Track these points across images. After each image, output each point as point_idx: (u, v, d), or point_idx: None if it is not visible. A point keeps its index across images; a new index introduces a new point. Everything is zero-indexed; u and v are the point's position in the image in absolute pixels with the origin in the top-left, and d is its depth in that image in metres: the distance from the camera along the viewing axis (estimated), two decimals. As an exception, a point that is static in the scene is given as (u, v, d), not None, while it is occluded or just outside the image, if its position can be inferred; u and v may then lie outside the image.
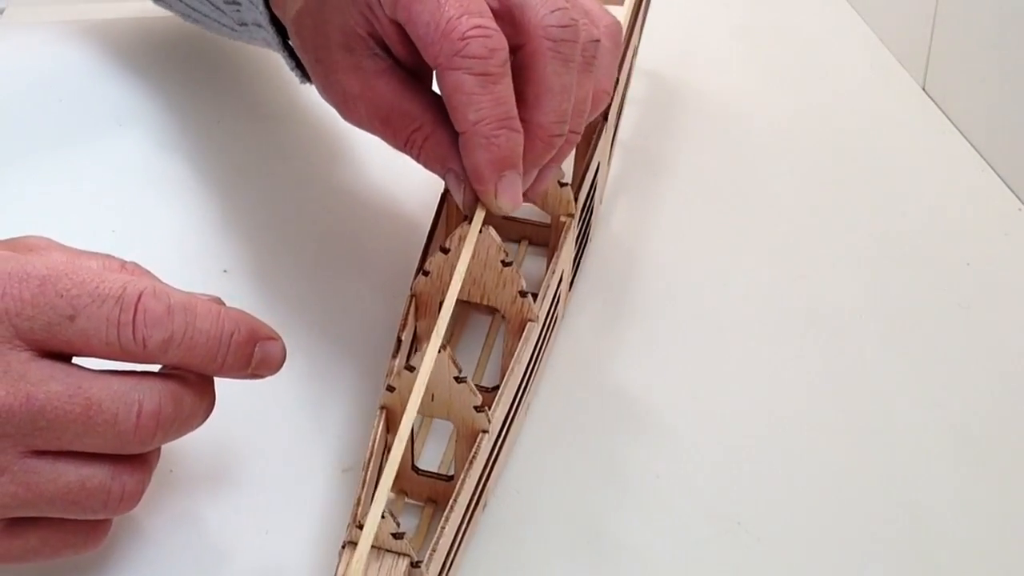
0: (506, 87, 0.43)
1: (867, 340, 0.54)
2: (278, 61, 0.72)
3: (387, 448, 0.42)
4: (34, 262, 0.39)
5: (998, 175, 0.65)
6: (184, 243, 0.58)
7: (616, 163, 0.64)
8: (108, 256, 0.42)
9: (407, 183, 0.61)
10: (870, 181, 0.65)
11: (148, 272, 0.43)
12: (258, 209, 0.60)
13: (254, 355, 0.41)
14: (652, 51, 0.66)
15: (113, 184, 0.62)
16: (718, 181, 0.64)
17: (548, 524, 0.46)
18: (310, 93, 0.69)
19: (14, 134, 0.65)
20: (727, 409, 0.51)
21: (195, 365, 0.40)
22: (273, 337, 0.42)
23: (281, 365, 0.43)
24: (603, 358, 0.53)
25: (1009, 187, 0.64)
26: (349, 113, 0.47)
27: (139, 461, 0.40)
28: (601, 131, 0.54)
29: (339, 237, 0.59)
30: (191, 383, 0.41)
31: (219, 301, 0.42)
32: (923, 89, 0.72)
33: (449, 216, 0.51)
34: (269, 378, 0.42)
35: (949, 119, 0.69)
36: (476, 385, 0.48)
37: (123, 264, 0.42)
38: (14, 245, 0.42)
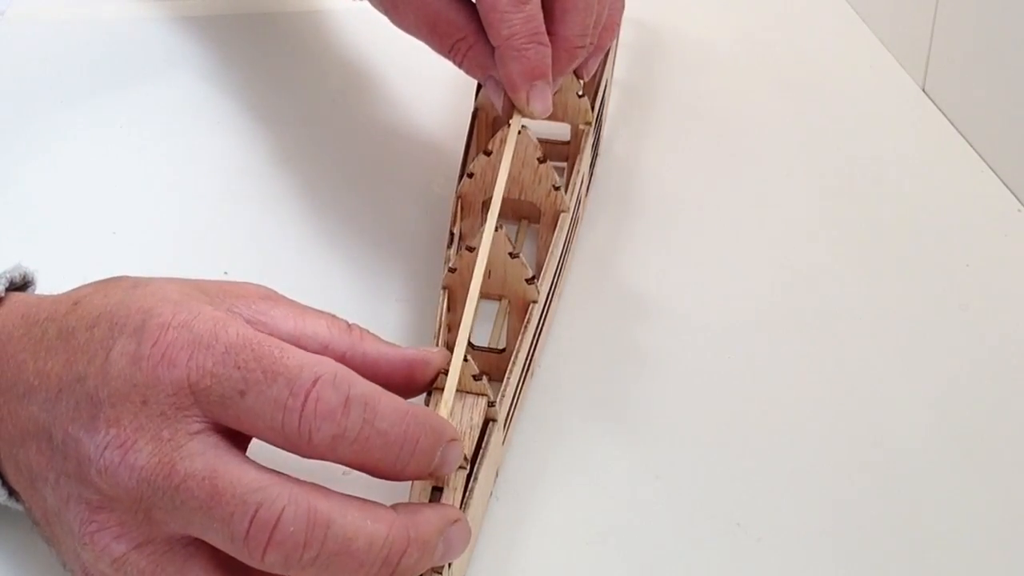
0: (535, 6, 0.49)
1: (866, 341, 0.54)
2: (278, 62, 0.72)
3: (448, 326, 0.48)
4: (228, 327, 0.37)
5: (998, 176, 0.65)
6: (184, 244, 0.58)
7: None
8: (334, 317, 0.41)
9: (403, 181, 0.61)
10: (869, 182, 0.65)
11: (372, 337, 0.41)
12: (259, 210, 0.61)
13: (435, 459, 0.38)
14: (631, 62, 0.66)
15: (114, 185, 0.62)
16: (719, 190, 0.64)
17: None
18: (309, 93, 0.69)
19: (14, 134, 0.65)
20: (727, 410, 0.51)
21: (370, 467, 0.37)
22: (456, 438, 0.39)
23: (455, 469, 0.40)
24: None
25: (1009, 188, 0.64)
26: (399, 18, 0.52)
27: None
28: (608, 51, 0.60)
29: (347, 228, 0.59)
30: (362, 511, 0.35)
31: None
32: (923, 90, 0.72)
33: (479, 136, 0.56)
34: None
35: (949, 120, 0.69)
36: None
37: (349, 327, 0.41)
38: (243, 291, 0.40)
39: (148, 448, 0.35)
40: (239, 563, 0.36)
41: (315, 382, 0.35)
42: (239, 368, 0.36)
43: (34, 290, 0.44)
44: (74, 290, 0.40)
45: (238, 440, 0.37)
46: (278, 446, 0.36)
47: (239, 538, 0.34)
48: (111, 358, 0.36)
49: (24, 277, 0.43)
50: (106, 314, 0.38)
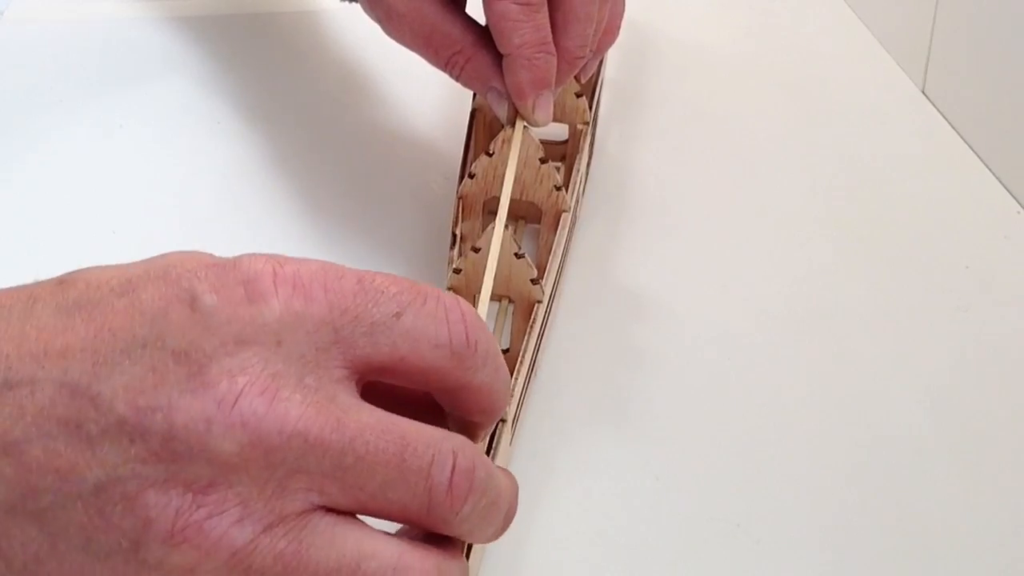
0: (544, 16, 0.49)
1: (866, 342, 0.54)
2: (278, 61, 0.72)
3: None
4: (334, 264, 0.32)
5: (997, 178, 0.65)
6: (183, 243, 0.58)
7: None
8: None
9: (399, 183, 0.61)
10: (868, 184, 0.65)
11: None
12: (258, 210, 0.61)
13: None
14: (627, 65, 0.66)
15: (113, 184, 0.62)
16: (716, 190, 0.64)
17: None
18: (308, 93, 0.69)
19: (14, 134, 0.65)
20: (727, 410, 0.51)
21: (492, 396, 0.34)
22: None
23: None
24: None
25: (1008, 190, 0.64)
26: (393, 30, 0.51)
27: (438, 552, 0.32)
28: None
29: (346, 229, 0.59)
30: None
31: None
32: (922, 92, 0.72)
33: (478, 137, 0.57)
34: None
35: (948, 122, 0.69)
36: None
37: None
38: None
39: (297, 397, 0.30)
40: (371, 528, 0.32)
41: (456, 299, 0.33)
42: (383, 292, 0.31)
43: None
44: (30, 284, 0.32)
45: None
46: (431, 370, 0.32)
47: (440, 488, 0.31)
48: (202, 306, 0.30)
49: None
50: (138, 278, 0.31)
